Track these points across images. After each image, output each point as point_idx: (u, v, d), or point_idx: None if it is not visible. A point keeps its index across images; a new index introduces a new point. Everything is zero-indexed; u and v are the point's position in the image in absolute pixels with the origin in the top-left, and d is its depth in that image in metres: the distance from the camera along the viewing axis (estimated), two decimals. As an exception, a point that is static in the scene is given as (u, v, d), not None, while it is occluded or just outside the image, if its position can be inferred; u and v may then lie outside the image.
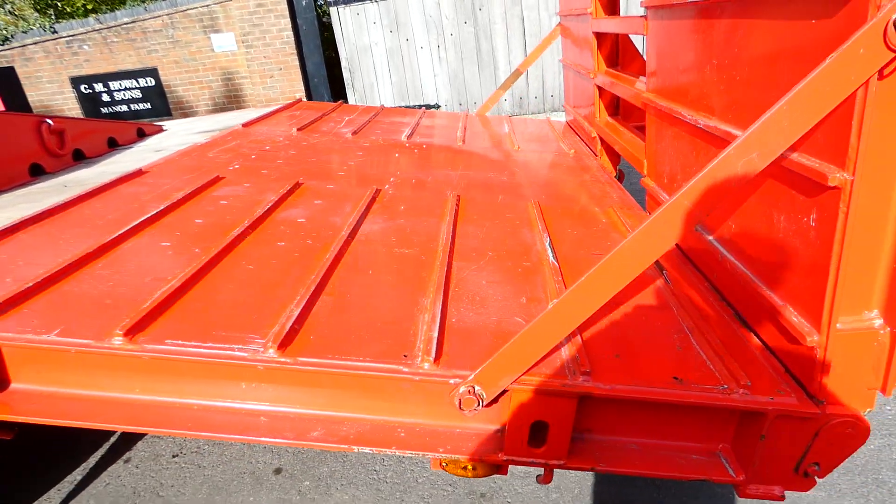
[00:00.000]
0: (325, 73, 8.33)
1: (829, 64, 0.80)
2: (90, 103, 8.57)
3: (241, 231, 1.61)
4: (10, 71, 8.29)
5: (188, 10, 8.08)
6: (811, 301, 1.02)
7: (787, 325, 1.09)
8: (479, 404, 1.04)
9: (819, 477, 1.11)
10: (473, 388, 1.03)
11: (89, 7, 9.96)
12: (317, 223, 1.75)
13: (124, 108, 8.64)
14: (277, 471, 2.25)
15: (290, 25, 7.92)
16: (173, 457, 2.39)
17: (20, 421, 1.18)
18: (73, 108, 8.61)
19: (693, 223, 0.90)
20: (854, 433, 1.05)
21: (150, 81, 8.50)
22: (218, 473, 2.27)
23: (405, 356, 1.11)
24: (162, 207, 1.72)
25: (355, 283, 1.39)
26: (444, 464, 1.16)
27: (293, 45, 8.04)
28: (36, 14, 9.98)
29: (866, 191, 0.90)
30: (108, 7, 9.90)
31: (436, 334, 1.15)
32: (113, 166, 2.53)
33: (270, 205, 1.82)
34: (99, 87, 8.49)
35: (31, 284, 1.27)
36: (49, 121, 2.47)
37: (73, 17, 9.61)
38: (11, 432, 1.23)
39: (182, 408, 1.18)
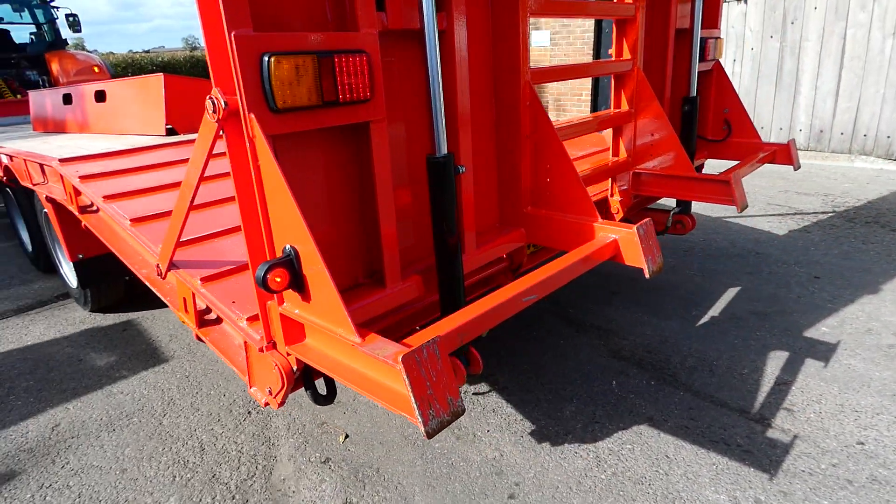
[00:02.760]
0: (616, 75, 8.60)
1: (202, 129, 1.39)
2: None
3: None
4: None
5: (521, 10, 9.42)
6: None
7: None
8: (159, 274, 1.94)
9: (278, 402, 1.61)
10: (158, 265, 1.93)
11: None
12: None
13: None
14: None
15: (593, 28, 8.45)
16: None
17: None
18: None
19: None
20: (278, 375, 1.54)
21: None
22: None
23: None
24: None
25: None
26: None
27: (591, 46, 8.55)
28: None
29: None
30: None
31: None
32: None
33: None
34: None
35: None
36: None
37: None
38: None
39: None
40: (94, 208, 2.67)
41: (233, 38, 1.21)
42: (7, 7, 9.27)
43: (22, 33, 9.58)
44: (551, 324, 3.41)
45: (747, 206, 2.63)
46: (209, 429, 2.65)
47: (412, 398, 1.11)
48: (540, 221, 2.11)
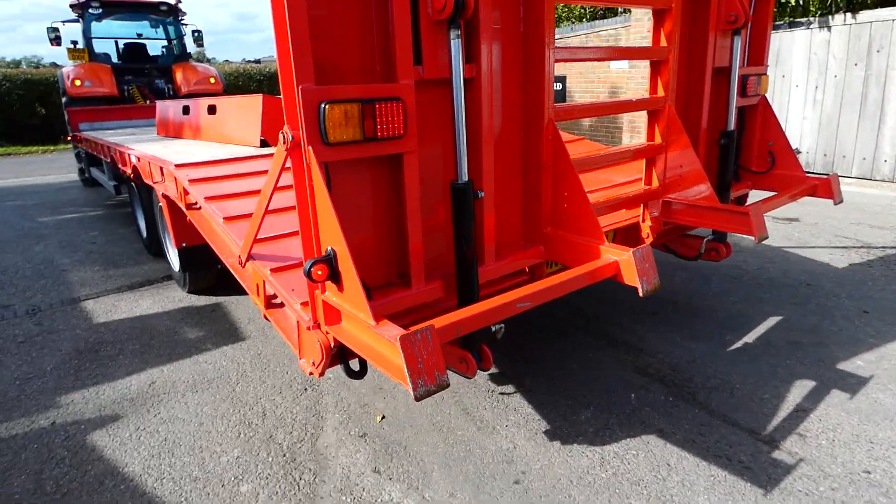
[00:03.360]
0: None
1: (276, 154, 1.82)
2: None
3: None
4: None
5: (600, 31, 9.59)
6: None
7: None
8: (240, 263, 2.41)
9: (319, 372, 2.01)
10: (240, 256, 2.40)
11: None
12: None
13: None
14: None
15: (672, 51, 8.43)
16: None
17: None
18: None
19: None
20: (319, 349, 1.94)
21: (559, 86, 10.54)
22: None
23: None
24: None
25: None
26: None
27: (668, 70, 8.54)
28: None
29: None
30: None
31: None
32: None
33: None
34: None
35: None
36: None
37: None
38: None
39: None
40: (198, 206, 3.24)
41: (299, 91, 1.63)
42: (146, 24, 10.70)
43: (155, 46, 11.02)
44: (584, 337, 3.64)
45: (766, 237, 2.75)
46: (272, 399, 3.13)
47: (405, 369, 1.46)
48: (556, 241, 2.40)
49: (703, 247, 3.33)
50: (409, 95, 1.84)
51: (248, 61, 35.11)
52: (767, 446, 2.58)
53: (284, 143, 1.73)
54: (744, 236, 4.32)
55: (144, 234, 5.64)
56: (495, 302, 1.81)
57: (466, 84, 1.98)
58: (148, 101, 9.86)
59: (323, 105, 1.66)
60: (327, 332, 1.90)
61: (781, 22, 7.67)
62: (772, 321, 3.73)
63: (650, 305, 4.01)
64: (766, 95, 3.41)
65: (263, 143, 4.22)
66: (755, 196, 3.63)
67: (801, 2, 7.74)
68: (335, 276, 1.73)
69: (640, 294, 2.08)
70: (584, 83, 10.09)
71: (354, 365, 2.11)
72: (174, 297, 4.64)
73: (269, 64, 26.20)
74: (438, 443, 2.71)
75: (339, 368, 2.17)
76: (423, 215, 1.99)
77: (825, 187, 3.24)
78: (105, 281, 5.15)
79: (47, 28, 10.26)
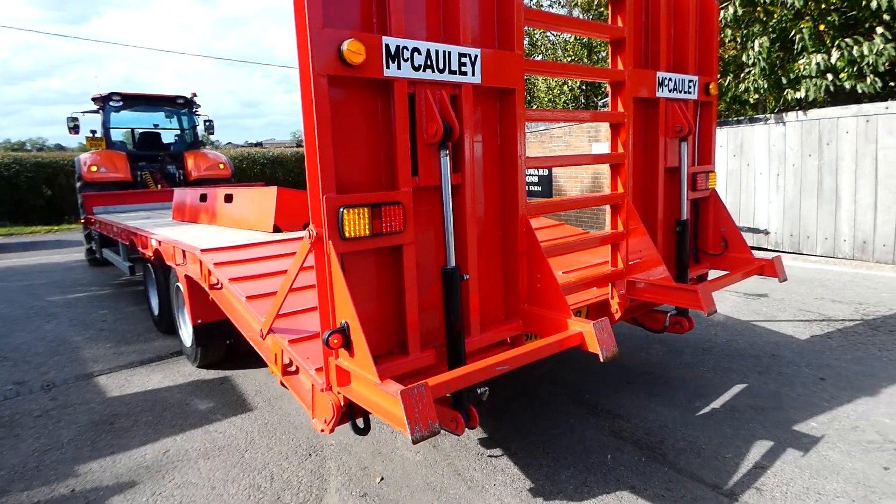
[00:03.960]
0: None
1: (301, 245, 2.26)
2: (506, 180, 12.07)
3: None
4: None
5: (581, 123, 10.48)
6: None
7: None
8: (261, 336, 2.79)
9: (329, 429, 2.35)
10: (261, 330, 2.79)
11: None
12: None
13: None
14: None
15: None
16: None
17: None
18: (497, 182, 12.30)
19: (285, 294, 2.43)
20: (331, 408, 2.29)
21: (545, 172, 11.33)
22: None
23: (265, 315, 2.95)
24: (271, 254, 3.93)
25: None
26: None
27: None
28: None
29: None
30: (534, 118, 13.47)
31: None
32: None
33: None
34: (514, 170, 11.87)
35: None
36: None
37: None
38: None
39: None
40: (219, 286, 3.66)
41: (324, 200, 2.10)
42: (162, 114, 11.57)
43: (168, 134, 11.84)
44: (565, 404, 3.96)
45: (715, 312, 3.17)
46: (279, 464, 3.40)
47: (405, 417, 1.83)
48: (532, 315, 2.81)
49: (667, 320, 3.74)
50: (408, 199, 2.31)
51: (251, 144, 36.85)
52: (728, 499, 2.87)
53: (309, 237, 2.18)
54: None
55: (156, 311, 6.00)
56: (477, 366, 2.20)
57: (454, 189, 2.48)
58: (159, 186, 10.49)
59: (341, 209, 2.13)
60: (339, 393, 2.27)
61: (743, 117, 8.52)
62: (737, 388, 4.08)
63: (627, 375, 4.35)
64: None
65: (276, 229, 4.71)
66: (715, 275, 4.09)
67: (760, 100, 8.64)
68: (348, 344, 2.12)
69: (601, 359, 2.47)
70: (569, 168, 10.87)
71: (360, 422, 2.45)
72: (184, 372, 4.95)
73: (271, 147, 27.60)
74: (433, 501, 2.98)
75: (342, 436, 2.49)
76: (418, 294, 2.41)
77: (770, 267, 3.71)
78: (117, 357, 5.45)
79: (67, 118, 11.07)
